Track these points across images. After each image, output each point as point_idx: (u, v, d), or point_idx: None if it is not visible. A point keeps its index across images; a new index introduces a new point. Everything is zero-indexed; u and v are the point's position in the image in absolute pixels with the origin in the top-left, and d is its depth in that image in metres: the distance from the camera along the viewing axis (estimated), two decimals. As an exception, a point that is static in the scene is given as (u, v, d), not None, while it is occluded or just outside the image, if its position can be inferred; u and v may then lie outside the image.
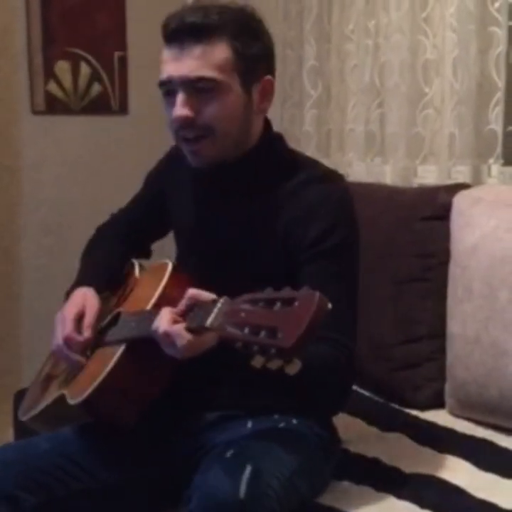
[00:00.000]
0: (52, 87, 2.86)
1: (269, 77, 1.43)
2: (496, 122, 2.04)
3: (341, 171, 2.48)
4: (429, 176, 2.22)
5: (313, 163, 1.51)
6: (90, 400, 1.33)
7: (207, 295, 1.21)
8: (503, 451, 1.66)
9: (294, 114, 2.64)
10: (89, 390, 1.32)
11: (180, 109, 1.37)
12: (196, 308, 1.20)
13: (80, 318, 1.49)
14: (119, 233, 1.71)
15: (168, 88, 1.40)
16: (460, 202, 1.91)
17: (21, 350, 2.89)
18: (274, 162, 1.47)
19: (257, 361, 1.01)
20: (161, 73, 1.41)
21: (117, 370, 1.31)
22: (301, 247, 1.39)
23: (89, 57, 2.88)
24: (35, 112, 2.86)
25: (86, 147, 2.90)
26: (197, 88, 1.36)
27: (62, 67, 2.86)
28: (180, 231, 1.62)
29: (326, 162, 2.53)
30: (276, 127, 2.64)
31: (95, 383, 1.32)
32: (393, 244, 2.01)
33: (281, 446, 1.36)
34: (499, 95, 2.03)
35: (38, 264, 2.88)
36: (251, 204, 1.45)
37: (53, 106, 2.87)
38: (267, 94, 1.44)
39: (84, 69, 2.87)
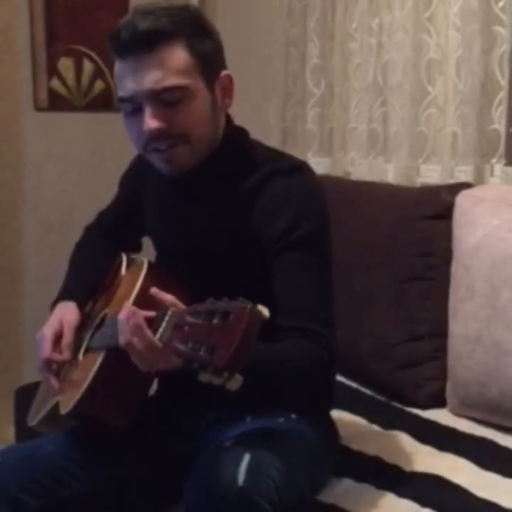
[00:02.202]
0: (56, 83, 2.86)
1: (226, 72, 1.41)
2: (499, 122, 2.04)
3: (344, 169, 2.51)
4: (431, 175, 2.21)
5: (279, 156, 1.48)
6: (76, 411, 1.34)
7: (164, 296, 1.18)
8: (504, 450, 1.66)
9: (297, 112, 2.64)
10: (74, 401, 1.34)
11: (151, 121, 1.33)
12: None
13: (58, 337, 1.48)
14: (106, 233, 1.71)
15: (133, 105, 1.35)
16: (462, 201, 1.91)
17: (22, 348, 2.89)
18: (239, 158, 1.44)
19: (203, 377, 1.02)
20: (120, 89, 1.36)
21: (98, 380, 1.32)
22: (270, 240, 1.38)
23: (93, 54, 2.88)
24: (38, 109, 2.86)
25: (89, 144, 2.90)
26: (164, 98, 1.33)
27: (66, 64, 2.86)
28: (153, 234, 1.61)
29: (329, 160, 2.56)
30: (278, 125, 2.69)
31: (78, 394, 1.33)
32: (395, 243, 2.01)
33: (281, 440, 1.36)
34: (502, 95, 2.02)
35: (40, 262, 2.88)
36: (219, 202, 1.44)
37: (56, 103, 2.87)
38: (228, 90, 1.41)
39: (88, 66, 2.87)
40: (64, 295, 1.58)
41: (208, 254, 1.44)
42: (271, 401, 1.39)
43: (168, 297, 1.18)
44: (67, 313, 1.52)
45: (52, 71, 2.85)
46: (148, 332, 1.15)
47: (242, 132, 1.50)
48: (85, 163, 2.93)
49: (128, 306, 1.22)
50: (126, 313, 1.19)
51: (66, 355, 1.47)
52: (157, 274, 1.43)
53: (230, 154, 1.43)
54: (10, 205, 2.86)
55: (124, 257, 1.61)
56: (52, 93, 2.86)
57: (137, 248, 1.73)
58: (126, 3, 2.88)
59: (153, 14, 1.33)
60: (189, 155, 1.38)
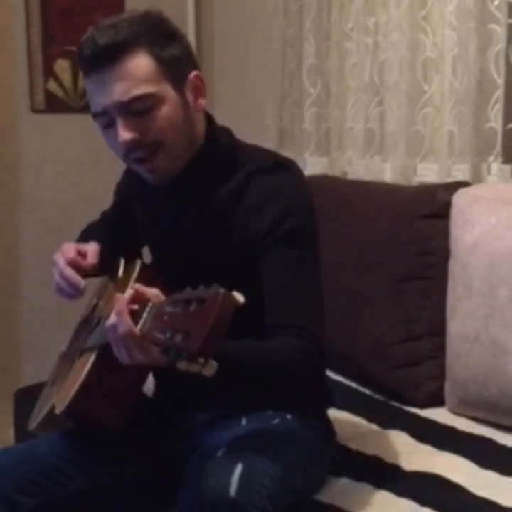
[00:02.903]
0: (52, 85, 2.86)
1: (195, 72, 1.40)
2: (495, 120, 2.04)
3: (341, 169, 2.51)
4: (428, 174, 2.22)
5: (263, 154, 1.48)
6: (70, 410, 1.34)
7: (146, 290, 1.19)
8: (502, 448, 1.66)
9: (294, 112, 2.64)
10: (67, 401, 1.34)
11: (124, 133, 1.33)
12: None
13: (80, 255, 1.50)
14: (109, 232, 1.70)
15: (106, 119, 1.36)
16: (460, 200, 1.91)
17: (21, 349, 2.89)
18: (223, 158, 1.44)
19: (181, 365, 1.04)
20: (92, 106, 1.38)
21: (91, 377, 1.32)
22: (257, 238, 1.38)
23: (89, 56, 2.88)
24: (35, 111, 2.86)
25: (86, 146, 2.90)
26: (134, 108, 1.33)
27: (62, 66, 2.86)
28: (146, 238, 1.62)
29: (326, 160, 2.56)
30: (275, 125, 2.69)
31: (72, 392, 1.33)
32: (393, 242, 2.01)
33: (275, 443, 1.36)
34: (499, 93, 2.02)
35: (38, 263, 2.88)
36: (205, 204, 1.44)
37: (53, 104, 2.87)
38: (199, 90, 1.40)
39: (84, 67, 2.87)
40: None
41: (197, 255, 1.44)
42: (262, 396, 1.39)
43: (151, 291, 1.19)
44: (87, 243, 1.55)
45: (49, 73, 2.85)
46: (128, 318, 1.16)
47: (225, 132, 1.49)
48: (83, 165, 2.93)
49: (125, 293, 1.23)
50: (119, 297, 1.20)
51: (91, 261, 1.48)
52: (149, 274, 1.43)
53: (213, 156, 1.43)
54: (8, 206, 2.86)
55: (122, 262, 1.61)
56: (48, 95, 2.86)
57: (136, 256, 1.72)
58: (122, 5, 2.89)
59: (113, 27, 1.32)
60: (169, 161, 1.38)
